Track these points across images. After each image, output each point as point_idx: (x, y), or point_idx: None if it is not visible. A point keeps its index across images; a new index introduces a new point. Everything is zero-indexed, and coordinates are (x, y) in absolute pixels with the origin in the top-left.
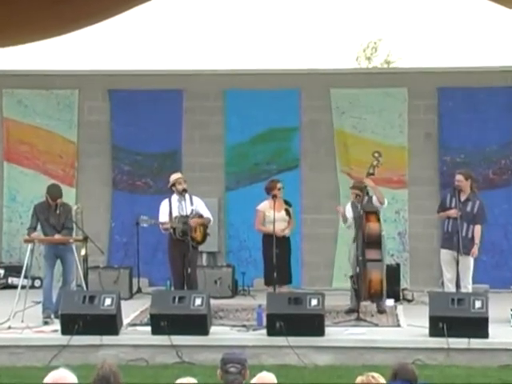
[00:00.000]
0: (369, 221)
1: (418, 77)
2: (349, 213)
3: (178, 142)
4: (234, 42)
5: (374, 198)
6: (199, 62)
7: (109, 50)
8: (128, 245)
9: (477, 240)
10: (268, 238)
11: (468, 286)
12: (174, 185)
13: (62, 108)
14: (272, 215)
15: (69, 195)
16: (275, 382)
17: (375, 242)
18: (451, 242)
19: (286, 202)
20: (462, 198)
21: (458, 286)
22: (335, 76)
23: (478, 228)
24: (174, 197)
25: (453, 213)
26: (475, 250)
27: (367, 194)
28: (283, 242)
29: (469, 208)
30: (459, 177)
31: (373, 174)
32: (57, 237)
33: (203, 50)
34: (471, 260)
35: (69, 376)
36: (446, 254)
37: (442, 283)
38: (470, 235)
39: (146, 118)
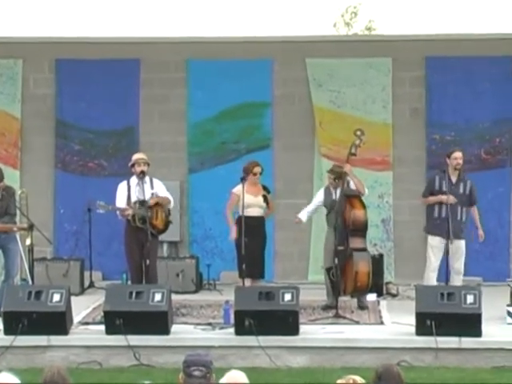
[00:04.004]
0: (353, 207)
1: (404, 45)
2: (319, 198)
3: (134, 119)
4: (198, 6)
5: (352, 183)
6: (158, 28)
7: (57, 15)
8: (79, 234)
9: (477, 223)
10: (241, 224)
11: (461, 271)
12: (133, 165)
13: (5, 80)
14: (248, 200)
15: (12, 178)
16: (246, 381)
17: (361, 229)
18: (443, 229)
19: (265, 188)
20: (454, 180)
21: (447, 278)
22: (312, 44)
23: (475, 209)
24: (133, 179)
25: (450, 200)
26: (482, 232)
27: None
28: (257, 230)
29: (461, 190)
30: (460, 154)
31: (355, 155)
32: None
33: (163, 15)
34: (463, 244)
35: (12, 380)
36: (435, 241)
37: None
38: (463, 218)
39: (98, 92)
